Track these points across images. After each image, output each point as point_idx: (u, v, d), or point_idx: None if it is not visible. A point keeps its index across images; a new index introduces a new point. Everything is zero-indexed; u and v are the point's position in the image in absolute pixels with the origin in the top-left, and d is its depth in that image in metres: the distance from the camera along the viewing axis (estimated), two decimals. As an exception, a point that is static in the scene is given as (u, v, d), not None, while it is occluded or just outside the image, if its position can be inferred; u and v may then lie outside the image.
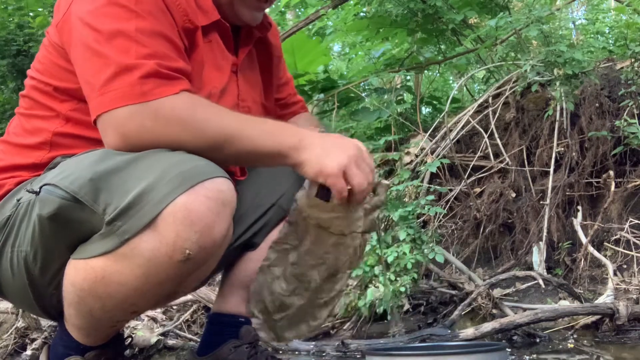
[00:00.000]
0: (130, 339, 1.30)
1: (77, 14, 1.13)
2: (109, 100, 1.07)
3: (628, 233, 3.19)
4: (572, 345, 2.51)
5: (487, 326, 2.60)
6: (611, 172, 3.43)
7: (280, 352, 2.86)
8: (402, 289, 2.87)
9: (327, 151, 1.09)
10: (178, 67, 1.12)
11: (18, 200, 1.15)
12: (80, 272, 1.06)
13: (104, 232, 1.03)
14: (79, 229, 1.06)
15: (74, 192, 1.04)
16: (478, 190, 3.80)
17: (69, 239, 1.09)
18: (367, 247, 2.97)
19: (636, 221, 3.24)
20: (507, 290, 3.20)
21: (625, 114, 3.40)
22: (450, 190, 3.72)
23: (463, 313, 2.93)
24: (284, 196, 1.42)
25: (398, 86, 5.31)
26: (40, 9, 5.79)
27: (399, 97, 4.86)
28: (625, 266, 3.15)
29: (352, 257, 1.13)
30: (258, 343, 1.46)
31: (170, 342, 3.11)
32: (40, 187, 1.09)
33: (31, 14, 5.74)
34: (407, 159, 3.92)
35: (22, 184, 1.19)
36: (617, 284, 2.95)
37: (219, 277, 1.64)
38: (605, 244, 3.27)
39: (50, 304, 1.19)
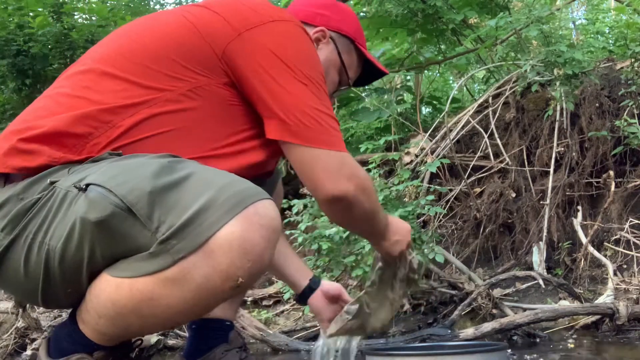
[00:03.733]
0: (140, 342, 1.27)
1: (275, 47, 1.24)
2: (337, 141, 1.24)
3: (628, 233, 3.19)
4: (572, 345, 2.51)
5: (487, 326, 2.60)
6: (611, 172, 3.42)
7: (281, 352, 2.86)
8: (402, 289, 2.87)
9: (402, 237, 1.49)
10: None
11: (52, 184, 1.06)
12: (125, 291, 1.02)
13: (155, 251, 0.99)
14: (122, 243, 1.02)
15: (130, 204, 0.99)
16: (478, 190, 3.80)
17: (108, 250, 1.03)
18: (367, 247, 2.98)
19: (636, 221, 3.24)
20: (507, 290, 3.19)
21: (625, 114, 3.40)
22: (450, 190, 3.72)
23: (463, 313, 2.93)
24: None
25: (398, 86, 5.31)
26: (40, 9, 5.77)
27: (399, 97, 4.86)
28: (625, 266, 3.15)
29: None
30: (246, 347, 1.53)
31: (170, 342, 3.11)
32: (87, 185, 1.02)
33: (31, 14, 5.72)
34: (407, 159, 3.92)
35: (60, 167, 1.10)
36: (617, 284, 2.95)
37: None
38: (605, 244, 3.27)
39: (54, 300, 1.14)
